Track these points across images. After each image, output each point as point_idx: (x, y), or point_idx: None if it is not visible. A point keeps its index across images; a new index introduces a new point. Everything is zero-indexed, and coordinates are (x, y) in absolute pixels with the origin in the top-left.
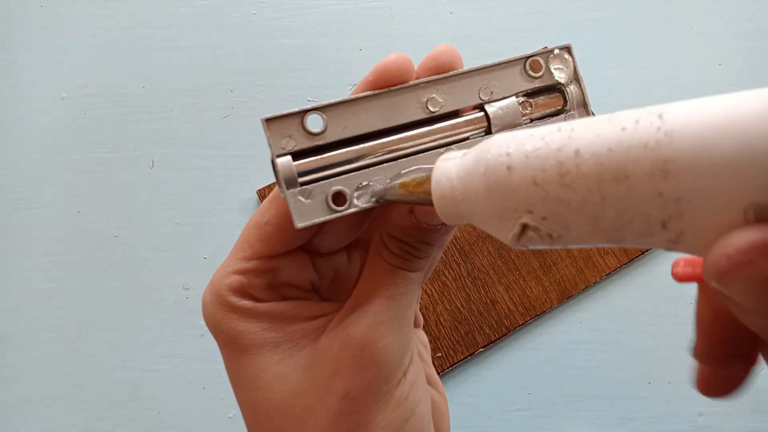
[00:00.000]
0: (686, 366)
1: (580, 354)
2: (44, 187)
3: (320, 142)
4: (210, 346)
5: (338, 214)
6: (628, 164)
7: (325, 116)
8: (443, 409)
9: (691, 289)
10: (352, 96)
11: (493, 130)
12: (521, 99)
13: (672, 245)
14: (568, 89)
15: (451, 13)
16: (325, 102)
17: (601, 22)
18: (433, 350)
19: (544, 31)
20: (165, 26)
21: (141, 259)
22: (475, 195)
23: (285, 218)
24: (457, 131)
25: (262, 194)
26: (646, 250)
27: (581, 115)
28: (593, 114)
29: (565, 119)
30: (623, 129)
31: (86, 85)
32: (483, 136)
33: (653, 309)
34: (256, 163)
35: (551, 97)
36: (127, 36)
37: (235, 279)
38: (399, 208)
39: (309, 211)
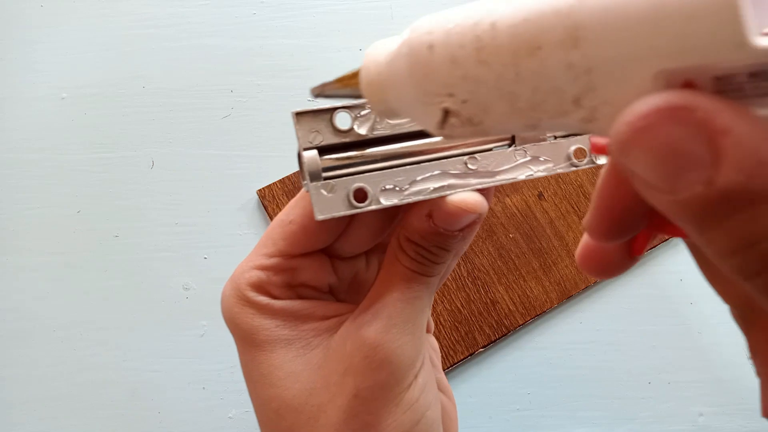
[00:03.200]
0: (686, 366)
1: (580, 354)
2: (44, 187)
3: (347, 140)
4: (210, 346)
5: (358, 210)
6: (541, 33)
7: (353, 115)
8: (452, 414)
9: (692, 289)
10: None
11: (517, 141)
12: None
13: (586, 125)
14: None
15: None
16: (356, 101)
17: None
18: None
19: None
20: (165, 26)
21: (141, 259)
22: (399, 79)
23: (309, 218)
24: (480, 140)
25: (262, 194)
26: (646, 250)
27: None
28: None
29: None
30: None
31: (86, 85)
32: (507, 147)
33: (653, 309)
34: (256, 163)
35: None
36: (127, 36)
37: (255, 274)
38: (418, 213)
39: (330, 205)
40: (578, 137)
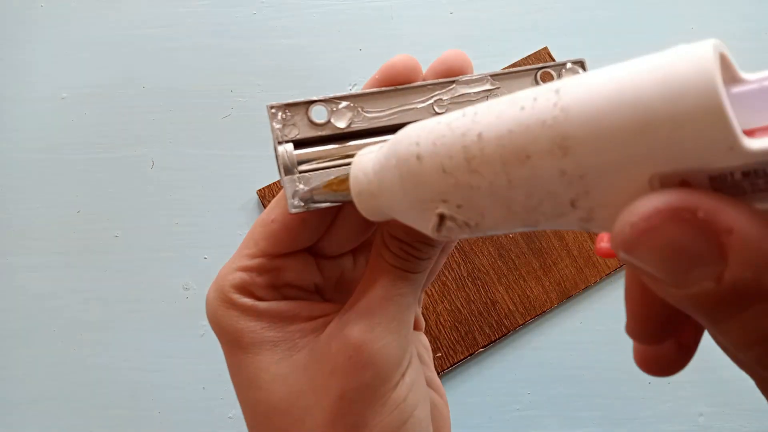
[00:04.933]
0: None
1: (580, 354)
2: (44, 187)
3: (324, 133)
4: (210, 346)
5: (332, 204)
6: (528, 144)
7: (329, 108)
8: (444, 412)
9: None
10: (360, 91)
11: None
12: None
13: (585, 224)
14: None
15: (451, 13)
16: (332, 95)
17: (601, 22)
18: (433, 350)
19: (544, 30)
20: (165, 26)
21: (141, 259)
22: (390, 188)
23: (291, 217)
24: None
25: (262, 194)
26: None
27: None
28: None
29: None
30: (522, 108)
31: (86, 85)
32: None
33: None
34: (256, 163)
35: None
36: (127, 36)
37: (238, 276)
38: None
39: None
40: None
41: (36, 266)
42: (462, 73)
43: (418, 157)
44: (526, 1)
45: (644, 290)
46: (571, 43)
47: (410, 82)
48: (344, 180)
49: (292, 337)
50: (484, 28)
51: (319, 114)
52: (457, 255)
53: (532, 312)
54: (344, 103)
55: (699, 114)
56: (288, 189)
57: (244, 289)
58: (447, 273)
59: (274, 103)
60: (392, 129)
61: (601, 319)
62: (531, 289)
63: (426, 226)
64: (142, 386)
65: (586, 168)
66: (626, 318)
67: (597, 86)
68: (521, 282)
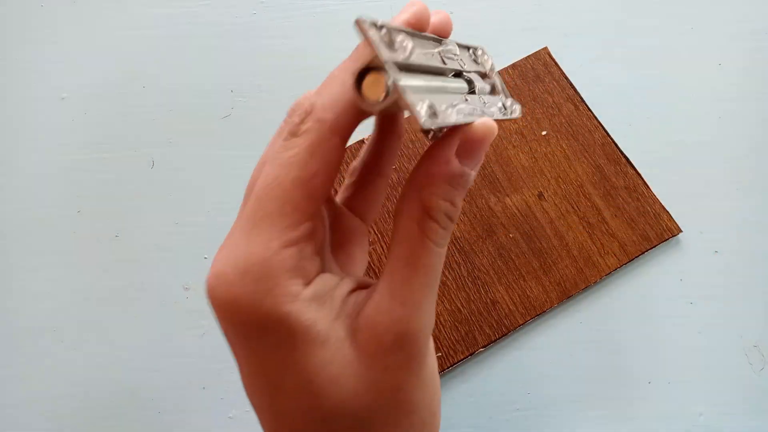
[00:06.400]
0: (686, 366)
1: (580, 354)
2: (44, 187)
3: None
4: (210, 346)
5: (446, 124)
6: None
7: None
8: None
9: (692, 289)
10: (421, 33)
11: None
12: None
13: None
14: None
15: (451, 12)
16: (402, 27)
17: (601, 22)
18: (435, 351)
19: (544, 30)
20: (165, 26)
21: (141, 259)
22: None
23: (333, 167)
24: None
25: None
26: (646, 250)
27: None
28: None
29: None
30: None
31: (86, 85)
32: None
33: (653, 309)
34: (256, 163)
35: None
36: (127, 36)
37: (288, 255)
38: (441, 156)
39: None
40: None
41: (36, 266)
42: (445, 33)
43: None
44: (526, 1)
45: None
46: (571, 43)
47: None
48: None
49: (341, 326)
50: (484, 28)
51: (400, 44)
52: (457, 255)
53: (532, 312)
54: (402, 36)
55: None
56: (419, 106)
57: (296, 269)
58: (447, 273)
59: (364, 18)
60: (430, 71)
61: (601, 319)
62: (531, 289)
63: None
64: (142, 386)
65: None
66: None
67: None
68: (521, 282)
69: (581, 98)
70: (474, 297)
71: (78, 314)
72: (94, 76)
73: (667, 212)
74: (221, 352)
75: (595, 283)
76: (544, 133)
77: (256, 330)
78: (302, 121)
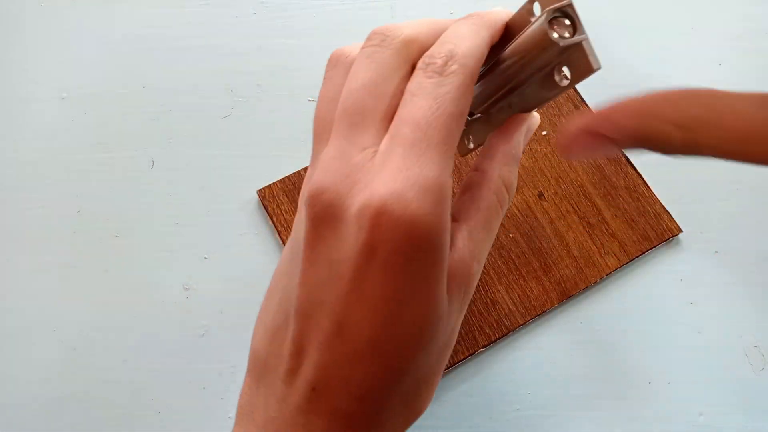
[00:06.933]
0: (686, 366)
1: (580, 354)
2: (44, 187)
3: None
4: (210, 346)
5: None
6: None
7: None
8: None
9: (692, 289)
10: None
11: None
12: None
13: None
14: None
15: (452, 12)
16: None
17: (601, 22)
18: None
19: None
20: (165, 26)
21: (141, 259)
22: None
23: (466, 107)
24: None
25: (262, 194)
26: (646, 250)
27: None
28: None
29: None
30: None
31: (86, 85)
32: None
33: (653, 309)
34: (256, 163)
35: None
36: (127, 36)
37: (451, 183)
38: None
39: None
40: None
41: (36, 266)
42: None
43: None
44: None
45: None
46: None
47: None
48: None
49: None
50: None
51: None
52: None
53: (532, 312)
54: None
55: None
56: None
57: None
58: None
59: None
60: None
61: (601, 319)
62: (531, 289)
63: None
64: (142, 386)
65: None
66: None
67: None
68: (521, 282)
69: (581, 98)
70: (474, 297)
71: (78, 314)
72: (94, 76)
73: (668, 212)
74: (221, 352)
75: (596, 283)
76: (544, 133)
77: (418, 250)
78: (446, 63)
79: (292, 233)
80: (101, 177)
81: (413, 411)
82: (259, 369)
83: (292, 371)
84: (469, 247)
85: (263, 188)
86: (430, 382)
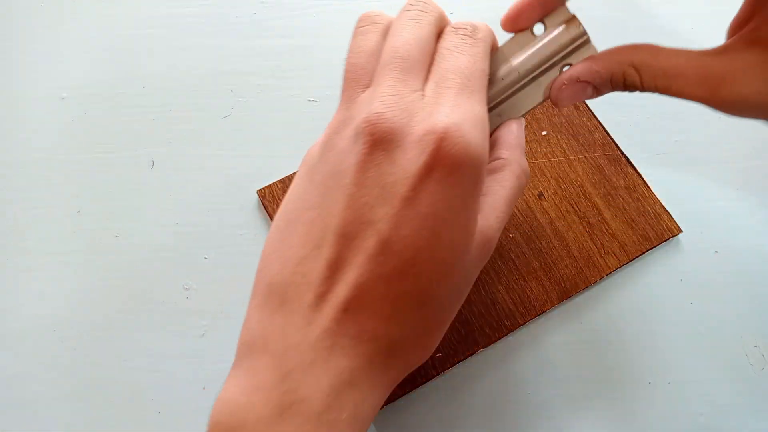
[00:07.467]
0: (686, 366)
1: (580, 354)
2: (44, 187)
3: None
4: (210, 346)
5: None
6: None
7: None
8: None
9: (692, 289)
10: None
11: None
12: None
13: None
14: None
15: (452, 12)
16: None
17: (600, 21)
18: (434, 351)
19: None
20: (165, 26)
21: (141, 259)
22: None
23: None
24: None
25: (262, 194)
26: (646, 250)
27: None
28: None
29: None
30: None
31: (86, 85)
32: None
33: (653, 309)
34: (256, 163)
35: None
36: (127, 36)
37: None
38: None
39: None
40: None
41: (36, 266)
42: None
43: None
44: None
45: None
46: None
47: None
48: None
49: None
50: None
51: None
52: None
53: (532, 312)
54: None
55: None
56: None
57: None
58: None
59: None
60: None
61: (601, 319)
62: (531, 289)
63: None
64: (142, 386)
65: None
66: None
67: None
68: (521, 282)
69: None
70: (474, 298)
71: (78, 314)
72: (94, 76)
73: (667, 212)
74: (221, 352)
75: (596, 283)
76: (544, 133)
77: (467, 173)
78: (474, 31)
79: (299, 186)
80: (101, 177)
81: (423, 348)
82: (276, 301)
83: (322, 295)
84: (493, 214)
85: (263, 188)
86: (441, 321)
